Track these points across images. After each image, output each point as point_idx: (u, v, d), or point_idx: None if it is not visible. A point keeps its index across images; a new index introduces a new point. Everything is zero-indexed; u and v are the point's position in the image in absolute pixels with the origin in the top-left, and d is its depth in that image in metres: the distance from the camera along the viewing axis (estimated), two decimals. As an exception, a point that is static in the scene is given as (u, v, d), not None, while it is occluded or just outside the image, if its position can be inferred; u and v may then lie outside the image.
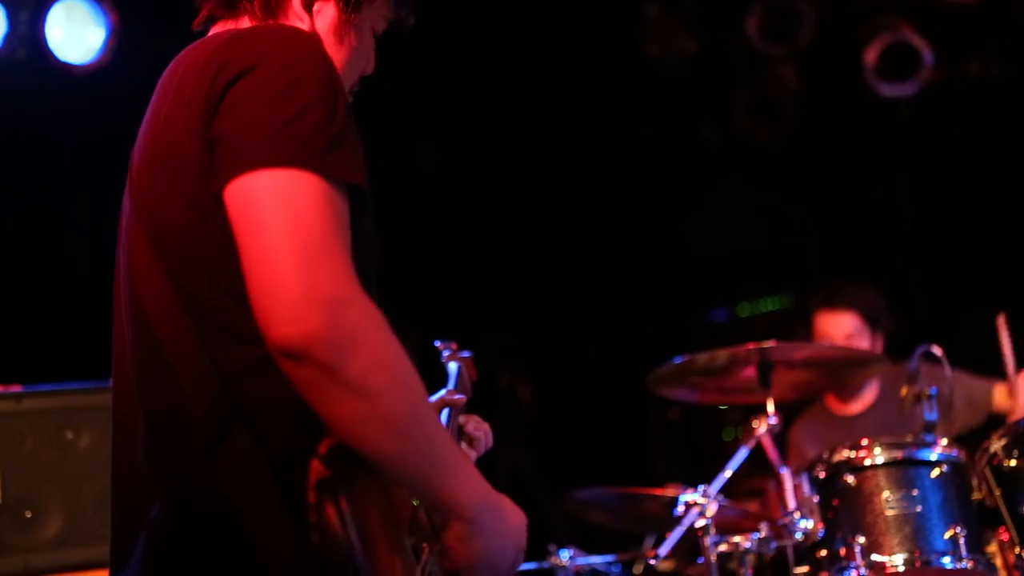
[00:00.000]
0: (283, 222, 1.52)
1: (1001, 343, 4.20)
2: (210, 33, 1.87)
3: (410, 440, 1.56)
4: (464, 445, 2.31)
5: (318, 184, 1.55)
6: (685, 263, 6.94)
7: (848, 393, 4.75)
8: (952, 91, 6.32)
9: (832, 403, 4.82)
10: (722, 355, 3.67)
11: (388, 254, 1.85)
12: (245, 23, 1.86)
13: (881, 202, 6.72)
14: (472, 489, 1.65)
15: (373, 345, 1.52)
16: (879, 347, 4.72)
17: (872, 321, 4.70)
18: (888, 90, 6.14)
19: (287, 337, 1.49)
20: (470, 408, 2.38)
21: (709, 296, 6.99)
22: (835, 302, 4.72)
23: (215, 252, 1.60)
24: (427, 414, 1.60)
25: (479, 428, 2.31)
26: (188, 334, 1.65)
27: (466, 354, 2.68)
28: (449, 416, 2.29)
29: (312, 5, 1.87)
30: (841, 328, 4.66)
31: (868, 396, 4.76)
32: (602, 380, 6.28)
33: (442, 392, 2.37)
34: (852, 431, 4.45)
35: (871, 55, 6.08)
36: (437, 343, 2.67)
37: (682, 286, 6.91)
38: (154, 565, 1.65)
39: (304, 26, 1.84)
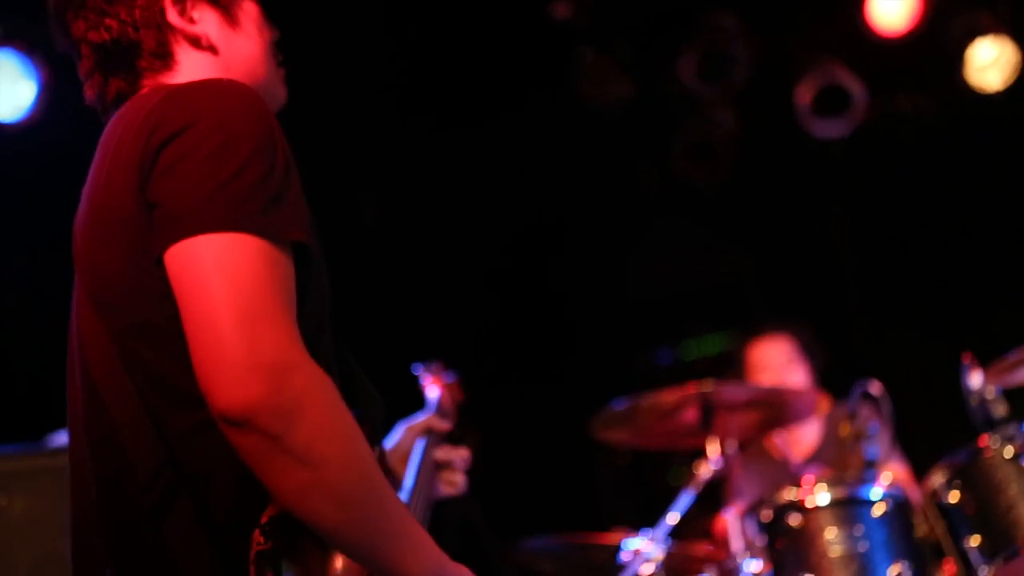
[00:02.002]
0: (223, 288, 1.49)
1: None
2: (141, 91, 1.83)
3: (357, 511, 1.51)
4: (442, 478, 2.27)
5: (257, 246, 1.52)
6: (626, 305, 6.95)
7: (789, 436, 4.72)
8: (885, 128, 6.41)
9: (772, 447, 4.79)
10: (662, 396, 3.68)
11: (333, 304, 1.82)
12: (168, 80, 1.83)
13: (819, 240, 6.78)
14: (424, 563, 1.59)
15: (318, 412, 1.48)
16: (814, 384, 4.73)
17: (806, 349, 4.73)
18: (822, 129, 6.23)
19: (230, 404, 1.46)
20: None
21: (652, 338, 7.00)
22: (768, 329, 4.78)
23: (158, 316, 1.58)
24: (377, 484, 1.55)
25: (458, 459, 2.27)
26: (132, 399, 1.62)
27: (450, 376, 2.60)
28: (426, 445, 2.24)
29: (189, 13, 1.84)
30: (779, 353, 4.67)
31: (810, 441, 4.71)
32: (547, 426, 6.25)
33: (421, 416, 2.33)
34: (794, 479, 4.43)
35: (804, 95, 6.16)
36: (416, 366, 2.60)
37: (624, 328, 6.91)
38: None
39: (200, 41, 1.84)
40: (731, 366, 4.92)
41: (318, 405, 1.49)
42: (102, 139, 1.77)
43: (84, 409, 1.70)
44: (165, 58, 1.84)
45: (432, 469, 2.24)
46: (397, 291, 6.24)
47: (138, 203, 1.60)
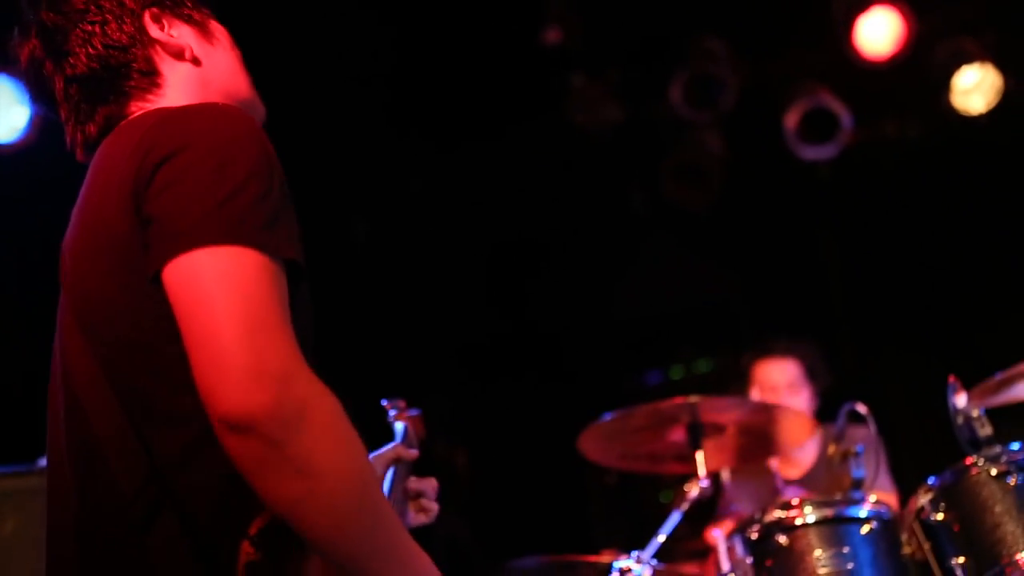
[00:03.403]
0: (226, 299, 1.51)
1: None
2: (131, 116, 1.85)
3: (351, 525, 1.51)
4: (412, 506, 2.28)
5: (258, 260, 1.54)
6: (615, 327, 6.98)
7: (785, 456, 4.71)
8: (871, 152, 6.47)
9: (766, 466, 4.73)
10: (650, 412, 3.69)
11: (320, 324, 1.85)
12: (156, 100, 1.86)
13: (806, 262, 6.82)
14: None
15: (321, 422, 1.49)
16: (815, 406, 4.73)
17: (811, 372, 4.72)
18: (809, 153, 6.28)
19: (234, 410, 1.46)
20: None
21: (641, 359, 7.02)
22: (776, 350, 4.76)
23: (146, 334, 1.59)
24: (373, 499, 1.55)
25: (428, 488, 2.29)
26: (118, 416, 1.63)
27: (414, 412, 2.65)
28: (395, 474, 2.27)
29: (168, 29, 1.89)
30: (784, 375, 4.65)
31: (805, 462, 4.70)
32: (537, 447, 6.27)
33: (390, 447, 2.35)
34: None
35: (792, 120, 6.22)
36: (384, 401, 2.64)
37: (613, 350, 6.94)
38: None
39: (184, 53, 1.89)
40: (720, 386, 4.92)
41: (321, 416, 1.50)
42: (93, 162, 1.78)
43: (66, 424, 1.70)
44: (152, 75, 1.86)
45: (403, 498, 2.27)
46: (386, 310, 6.26)
47: (132, 223, 1.61)
